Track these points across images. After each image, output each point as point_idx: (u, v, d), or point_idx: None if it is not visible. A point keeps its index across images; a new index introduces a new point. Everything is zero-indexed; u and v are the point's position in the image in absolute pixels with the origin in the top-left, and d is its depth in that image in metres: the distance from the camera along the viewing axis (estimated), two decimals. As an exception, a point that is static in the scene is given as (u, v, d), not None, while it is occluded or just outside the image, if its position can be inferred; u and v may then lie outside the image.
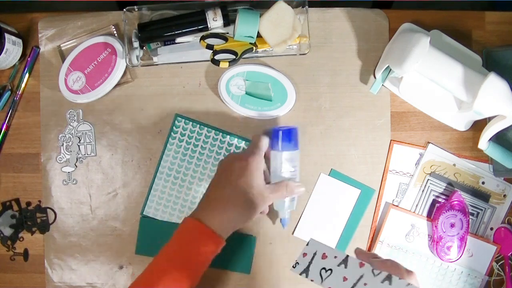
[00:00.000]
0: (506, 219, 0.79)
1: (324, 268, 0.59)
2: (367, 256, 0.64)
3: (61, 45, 0.77)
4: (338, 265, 0.58)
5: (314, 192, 0.78)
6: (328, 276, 0.58)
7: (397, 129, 0.79)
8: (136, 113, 0.78)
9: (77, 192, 0.78)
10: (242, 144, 0.77)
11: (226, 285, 0.77)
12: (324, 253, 0.59)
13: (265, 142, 0.70)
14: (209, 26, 0.74)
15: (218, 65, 0.71)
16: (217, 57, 0.72)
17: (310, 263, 0.59)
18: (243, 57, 0.72)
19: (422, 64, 0.69)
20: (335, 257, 0.58)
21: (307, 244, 0.59)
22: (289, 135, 0.72)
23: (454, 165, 0.78)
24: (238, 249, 0.76)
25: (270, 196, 0.68)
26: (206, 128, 0.77)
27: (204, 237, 0.63)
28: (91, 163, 0.78)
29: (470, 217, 0.78)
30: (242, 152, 0.75)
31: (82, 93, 0.75)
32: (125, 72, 0.77)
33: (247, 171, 0.66)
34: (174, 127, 0.77)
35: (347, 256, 0.58)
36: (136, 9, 0.75)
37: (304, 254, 0.60)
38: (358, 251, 0.66)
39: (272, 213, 0.75)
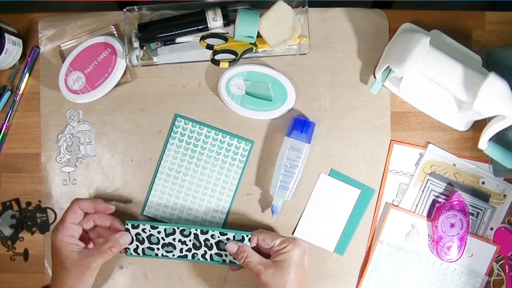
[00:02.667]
0: (506, 219, 0.79)
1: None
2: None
3: (61, 45, 0.77)
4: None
5: (314, 192, 0.78)
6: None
7: (397, 129, 0.79)
8: (136, 113, 0.78)
9: (77, 192, 0.78)
10: (242, 144, 0.77)
11: (225, 284, 0.77)
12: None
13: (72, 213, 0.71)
14: (209, 26, 0.74)
15: (218, 65, 0.71)
16: (217, 57, 0.72)
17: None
18: (243, 57, 0.72)
19: (422, 64, 0.69)
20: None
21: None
22: (302, 125, 0.74)
23: (454, 165, 0.78)
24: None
25: (89, 260, 0.68)
26: (206, 128, 0.77)
27: None
28: (91, 163, 0.78)
29: (470, 217, 0.78)
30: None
31: (82, 93, 0.75)
32: (125, 72, 0.77)
33: (53, 249, 0.69)
34: (174, 127, 0.77)
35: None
36: (136, 9, 0.75)
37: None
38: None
39: (266, 202, 0.76)
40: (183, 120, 0.77)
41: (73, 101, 0.76)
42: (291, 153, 0.74)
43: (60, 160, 0.78)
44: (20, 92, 0.78)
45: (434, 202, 0.78)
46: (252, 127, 0.78)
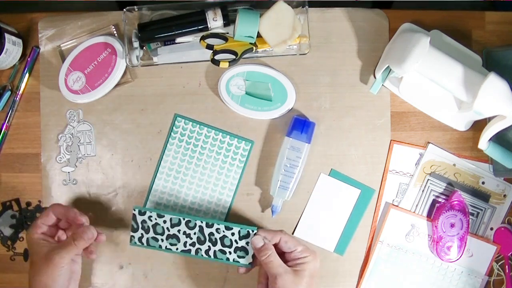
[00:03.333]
0: (506, 219, 0.79)
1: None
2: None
3: (61, 45, 0.77)
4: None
5: (314, 192, 0.78)
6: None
7: (397, 129, 0.79)
8: (136, 113, 0.78)
9: (77, 192, 0.78)
10: (242, 144, 0.77)
11: (225, 284, 0.77)
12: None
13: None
14: (209, 26, 0.74)
15: (218, 65, 0.71)
16: (217, 57, 0.72)
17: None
18: (243, 57, 0.72)
19: (422, 64, 0.69)
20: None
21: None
22: (302, 125, 0.74)
23: (454, 165, 0.78)
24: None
25: (53, 253, 0.67)
26: (206, 128, 0.77)
27: None
28: (91, 163, 0.78)
29: (470, 217, 0.78)
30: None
31: (82, 93, 0.75)
32: (125, 72, 0.77)
33: (28, 246, 0.70)
34: (174, 127, 0.77)
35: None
36: (136, 9, 0.75)
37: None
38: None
39: (266, 202, 0.76)
40: (183, 120, 0.77)
41: (73, 101, 0.76)
42: (291, 153, 0.74)
43: (60, 160, 0.78)
44: (20, 92, 0.78)
45: (434, 202, 0.78)
46: (252, 127, 0.78)
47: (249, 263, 0.72)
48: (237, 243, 0.72)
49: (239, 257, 0.72)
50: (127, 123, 0.78)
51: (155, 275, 0.77)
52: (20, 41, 0.76)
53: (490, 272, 0.79)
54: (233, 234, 0.71)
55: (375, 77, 0.78)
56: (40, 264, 0.66)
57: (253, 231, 0.71)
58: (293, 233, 0.78)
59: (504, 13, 0.80)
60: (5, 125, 0.77)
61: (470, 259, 0.78)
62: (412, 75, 0.72)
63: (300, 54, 0.76)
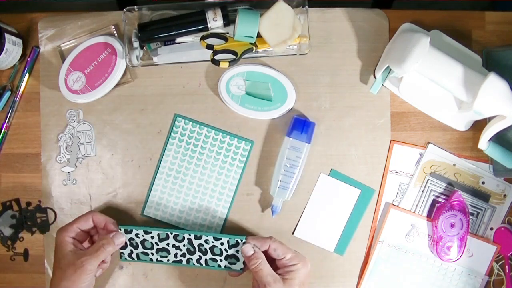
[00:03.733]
0: (506, 219, 0.79)
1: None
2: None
3: (61, 45, 0.77)
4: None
5: (314, 192, 0.78)
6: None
7: (397, 129, 0.79)
8: (136, 113, 0.78)
9: (77, 192, 0.78)
10: (242, 144, 0.77)
11: (225, 284, 0.77)
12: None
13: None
14: (209, 26, 0.74)
15: (218, 65, 0.71)
16: (217, 57, 0.72)
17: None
18: (243, 57, 0.72)
19: (422, 64, 0.69)
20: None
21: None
22: (302, 125, 0.74)
23: (454, 165, 0.78)
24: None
25: (82, 260, 0.66)
26: (206, 128, 0.77)
27: None
28: (91, 163, 0.78)
29: (470, 217, 0.78)
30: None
31: (82, 93, 0.75)
32: (125, 72, 0.77)
33: (55, 247, 0.69)
34: (174, 127, 0.77)
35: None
36: (136, 9, 0.75)
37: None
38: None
39: (266, 202, 0.76)
40: (183, 120, 0.77)
41: (73, 101, 0.76)
42: (291, 153, 0.74)
43: (60, 160, 0.78)
44: (20, 92, 0.78)
45: (434, 202, 0.78)
46: (252, 127, 0.78)
47: (241, 269, 0.72)
48: (227, 251, 0.72)
49: (230, 263, 0.72)
50: (127, 123, 0.78)
51: (155, 275, 0.77)
52: (20, 41, 0.76)
53: (490, 272, 0.79)
54: (222, 244, 0.71)
55: (375, 77, 0.78)
56: (67, 270, 0.66)
57: (241, 240, 0.71)
58: (293, 233, 0.78)
59: (504, 13, 0.80)
60: (5, 125, 0.77)
61: (470, 259, 0.78)
62: (412, 75, 0.72)
63: (300, 54, 0.76)
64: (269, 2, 0.73)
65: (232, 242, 0.71)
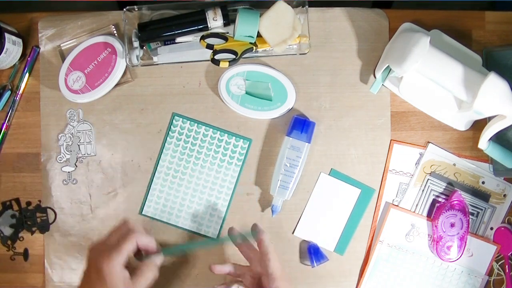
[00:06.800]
0: (506, 219, 0.79)
1: None
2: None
3: (61, 45, 0.77)
4: None
5: (314, 192, 0.78)
6: None
7: (397, 128, 0.79)
8: (136, 113, 0.78)
9: (77, 192, 0.78)
10: (240, 143, 0.77)
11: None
12: None
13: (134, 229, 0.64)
14: (209, 26, 0.74)
15: (218, 65, 0.71)
16: (217, 57, 0.72)
17: None
18: (243, 57, 0.72)
19: (422, 64, 0.69)
20: None
21: None
22: (302, 125, 0.74)
23: (454, 164, 0.78)
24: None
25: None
26: (203, 127, 0.77)
27: None
28: (91, 163, 0.78)
29: (470, 217, 0.78)
30: (106, 248, 0.62)
31: (82, 93, 0.75)
32: (125, 72, 0.77)
33: (99, 274, 0.60)
34: (172, 126, 0.77)
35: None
36: (136, 9, 0.75)
37: None
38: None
39: (266, 202, 0.76)
40: (180, 119, 0.77)
41: (73, 101, 0.76)
42: (291, 152, 0.75)
43: (60, 160, 0.78)
44: (20, 92, 0.78)
45: (434, 202, 0.78)
46: (252, 127, 0.78)
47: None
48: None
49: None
50: (127, 123, 0.78)
51: (155, 275, 0.77)
52: (20, 40, 0.76)
53: (490, 272, 0.79)
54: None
55: (375, 77, 0.78)
56: None
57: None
58: (293, 233, 0.78)
59: (504, 13, 0.80)
60: (5, 125, 0.77)
61: (470, 259, 0.78)
62: (412, 75, 0.72)
63: (300, 54, 0.76)
64: (269, 2, 0.73)
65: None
